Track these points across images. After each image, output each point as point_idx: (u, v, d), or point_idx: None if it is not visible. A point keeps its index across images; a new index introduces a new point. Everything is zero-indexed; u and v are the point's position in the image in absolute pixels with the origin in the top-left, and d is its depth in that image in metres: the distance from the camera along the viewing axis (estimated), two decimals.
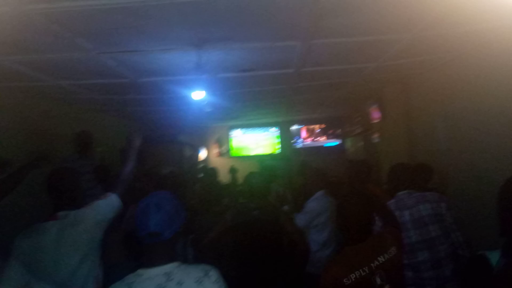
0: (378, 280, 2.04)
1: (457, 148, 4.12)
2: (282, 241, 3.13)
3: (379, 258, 2.08)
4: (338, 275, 2.01)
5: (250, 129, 9.95)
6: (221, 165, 8.32)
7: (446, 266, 2.72)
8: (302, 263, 3.15)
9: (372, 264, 2.05)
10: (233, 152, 9.90)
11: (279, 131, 9.94)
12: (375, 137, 6.51)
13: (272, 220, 3.04)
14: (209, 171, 6.61)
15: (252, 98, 5.93)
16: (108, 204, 2.39)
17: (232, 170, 6.90)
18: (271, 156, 9.60)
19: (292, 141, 9.90)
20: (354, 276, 2.00)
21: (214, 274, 1.72)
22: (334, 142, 9.77)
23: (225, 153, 10.00)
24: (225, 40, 2.99)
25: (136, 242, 2.39)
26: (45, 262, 2.20)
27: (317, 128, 9.91)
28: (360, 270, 2.02)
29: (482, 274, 1.58)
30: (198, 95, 3.84)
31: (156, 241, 1.70)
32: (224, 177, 6.67)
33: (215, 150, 10.02)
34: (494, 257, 1.59)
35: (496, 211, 1.73)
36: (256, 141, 9.92)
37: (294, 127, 9.90)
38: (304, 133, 9.94)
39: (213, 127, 9.87)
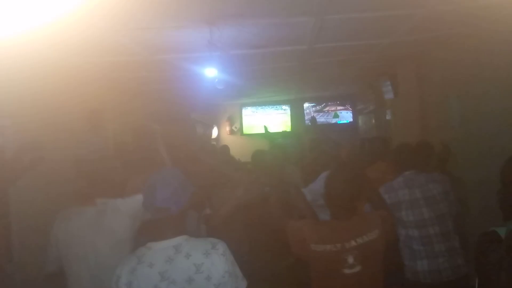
0: (351, 260, 2.07)
1: (471, 126, 4.09)
2: (293, 218, 3.16)
3: (357, 239, 2.09)
4: (307, 238, 2.10)
5: (262, 107, 9.93)
6: (233, 143, 8.37)
7: (454, 239, 2.81)
8: None
9: (346, 243, 2.07)
10: (245, 130, 9.92)
11: (291, 109, 9.90)
12: (388, 115, 6.48)
13: (282, 197, 3.07)
14: (221, 149, 6.67)
15: (264, 75, 5.92)
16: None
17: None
18: (282, 134, 9.60)
19: (303, 119, 9.87)
20: (323, 247, 2.06)
21: (221, 247, 1.75)
22: (346, 120, 9.72)
23: (236, 131, 10.02)
24: (238, 16, 2.98)
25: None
26: (80, 246, 2.24)
27: (329, 105, 9.85)
28: (331, 245, 2.07)
29: (494, 249, 1.60)
30: (210, 72, 3.84)
31: (164, 216, 1.75)
32: (235, 155, 6.71)
33: (226, 128, 10.05)
34: (503, 232, 1.61)
35: (498, 190, 1.76)
36: (268, 119, 9.90)
37: (306, 105, 9.84)
38: (316, 111, 9.89)
39: (224, 105, 9.86)
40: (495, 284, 1.58)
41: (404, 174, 2.95)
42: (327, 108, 9.88)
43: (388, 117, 6.51)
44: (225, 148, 6.59)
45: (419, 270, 2.78)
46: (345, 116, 9.78)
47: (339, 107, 9.81)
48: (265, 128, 6.17)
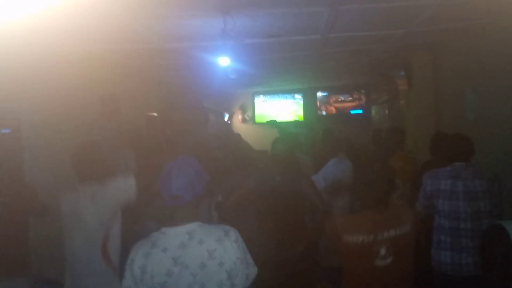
0: (383, 252, 2.09)
1: (485, 119, 4.05)
2: (303, 206, 3.19)
3: (390, 231, 2.10)
4: (340, 229, 2.11)
5: (275, 95, 9.90)
6: (245, 132, 8.39)
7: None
8: (322, 227, 3.21)
9: (379, 235, 2.08)
10: (257, 119, 9.92)
11: (303, 98, 9.86)
12: (401, 105, 6.43)
13: (293, 185, 3.09)
14: (234, 137, 6.68)
15: (277, 64, 5.90)
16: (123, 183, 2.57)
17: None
18: (295, 123, 9.58)
19: (316, 108, 9.83)
20: (357, 238, 2.07)
21: (233, 234, 1.79)
22: (359, 110, 9.65)
23: (248, 119, 10.04)
24: (252, 5, 2.98)
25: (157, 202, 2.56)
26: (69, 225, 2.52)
27: (342, 95, 9.77)
28: (364, 236, 2.08)
29: (500, 243, 1.60)
30: (223, 61, 3.86)
31: (178, 203, 1.78)
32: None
33: (239, 116, 10.07)
34: (511, 226, 1.60)
35: None
36: (280, 108, 9.89)
37: (319, 94, 9.80)
38: (329, 100, 9.84)
39: (237, 93, 9.86)
40: (500, 278, 1.58)
41: (454, 164, 2.92)
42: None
43: (401, 107, 6.47)
44: (238, 136, 6.60)
45: (442, 260, 2.82)
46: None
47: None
48: (273, 121, 6.11)
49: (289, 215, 3.04)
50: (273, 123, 5.69)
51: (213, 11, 3.03)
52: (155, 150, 5.12)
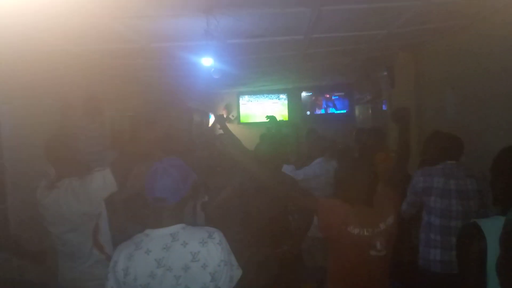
0: (378, 245, 2.13)
1: (466, 119, 4.11)
2: (288, 205, 3.21)
3: (380, 225, 2.16)
4: (346, 220, 2.11)
5: (259, 95, 9.92)
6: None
7: None
8: (306, 226, 3.23)
9: (376, 228, 2.13)
10: (242, 119, 9.93)
11: (288, 98, 9.90)
12: (384, 105, 6.50)
13: (278, 185, 3.10)
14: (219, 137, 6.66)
15: (262, 64, 5.91)
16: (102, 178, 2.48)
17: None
18: (280, 123, 9.60)
19: (300, 109, 9.87)
20: (359, 231, 2.10)
21: (217, 236, 1.78)
22: (343, 110, 9.72)
23: (233, 119, 10.03)
24: (234, 6, 2.98)
25: (141, 204, 2.53)
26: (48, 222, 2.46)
27: (326, 95, 9.84)
28: (365, 229, 2.11)
29: (474, 241, 1.61)
30: (207, 61, 3.85)
31: (162, 205, 1.78)
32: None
33: (224, 117, 10.04)
34: (485, 225, 1.62)
35: (489, 181, 1.79)
36: (265, 108, 9.90)
37: (303, 94, 9.84)
38: (313, 100, 9.89)
39: (222, 93, 9.84)
40: (476, 277, 1.60)
41: (445, 163, 2.96)
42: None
43: (384, 107, 6.54)
44: (227, 136, 6.59)
45: (431, 259, 2.84)
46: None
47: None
48: (272, 117, 6.04)
49: (274, 215, 3.06)
50: (272, 119, 5.68)
51: (196, 11, 3.02)
52: (139, 150, 5.08)
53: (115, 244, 2.39)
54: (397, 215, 2.27)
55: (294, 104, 9.84)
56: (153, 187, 1.76)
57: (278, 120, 6.17)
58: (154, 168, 1.81)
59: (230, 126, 9.81)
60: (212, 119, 9.62)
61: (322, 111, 9.74)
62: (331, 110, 9.69)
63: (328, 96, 9.73)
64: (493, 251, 1.56)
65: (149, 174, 1.81)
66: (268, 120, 5.63)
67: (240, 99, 9.91)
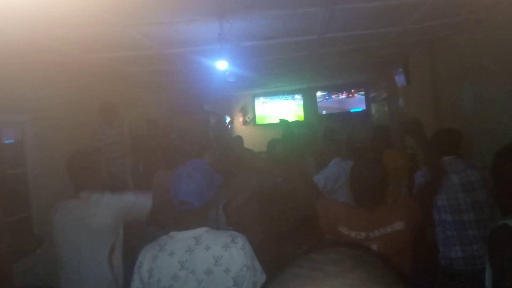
0: (374, 249, 2.07)
1: (483, 115, 4.05)
2: (305, 207, 3.21)
3: (381, 229, 2.08)
4: (337, 219, 2.12)
5: (274, 97, 9.94)
6: (246, 134, 8.42)
7: (490, 227, 2.76)
8: None
9: (370, 233, 2.07)
10: (258, 120, 9.95)
11: (303, 98, 9.89)
12: (401, 102, 6.45)
13: (295, 187, 3.11)
14: (235, 139, 6.70)
15: (275, 65, 5.92)
16: (139, 203, 2.51)
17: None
18: (295, 123, 9.60)
19: (316, 108, 9.85)
20: (349, 233, 2.09)
21: (240, 241, 1.78)
22: (359, 108, 9.66)
23: (249, 121, 10.07)
24: (247, 8, 3.00)
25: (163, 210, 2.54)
26: (67, 241, 2.42)
27: (342, 94, 9.80)
28: (356, 232, 2.08)
29: (508, 242, 1.58)
30: (221, 65, 3.88)
31: (186, 208, 1.80)
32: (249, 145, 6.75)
33: (239, 119, 10.10)
34: None
35: (491, 183, 1.77)
36: (280, 109, 9.92)
37: (319, 94, 9.82)
38: (328, 99, 9.86)
39: (237, 95, 9.90)
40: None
41: (443, 159, 2.92)
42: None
43: (401, 104, 6.48)
44: (239, 138, 6.64)
45: (453, 256, 2.78)
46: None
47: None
48: (284, 120, 6.00)
49: (293, 216, 3.07)
50: (284, 123, 5.67)
51: (209, 16, 3.06)
52: (159, 155, 5.15)
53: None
54: (412, 220, 2.16)
55: (310, 104, 9.82)
56: (177, 190, 1.79)
57: (290, 122, 6.12)
58: (178, 172, 1.83)
59: (246, 128, 9.93)
60: (228, 121, 9.68)
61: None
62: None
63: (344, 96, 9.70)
64: None
65: (174, 178, 1.83)
66: (281, 122, 5.62)
67: (256, 100, 9.94)
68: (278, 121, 5.96)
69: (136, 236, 2.78)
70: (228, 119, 9.58)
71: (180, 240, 1.78)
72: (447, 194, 2.81)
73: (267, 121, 9.86)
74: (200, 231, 1.80)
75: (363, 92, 9.55)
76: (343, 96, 9.74)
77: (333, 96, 9.77)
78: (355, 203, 2.24)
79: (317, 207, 2.30)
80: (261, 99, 9.94)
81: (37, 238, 3.33)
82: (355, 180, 2.21)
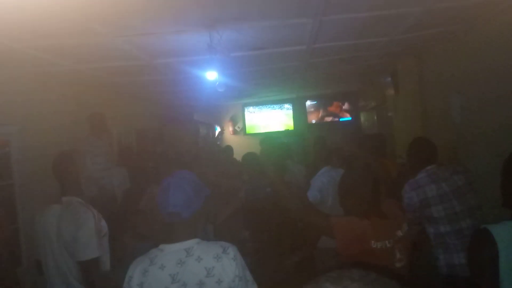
0: (398, 254, 2.09)
1: (472, 122, 4.10)
2: (294, 218, 3.20)
3: (397, 233, 2.11)
4: (369, 235, 2.04)
5: (264, 106, 9.95)
6: (236, 143, 8.41)
7: None
8: (316, 238, 3.22)
9: (394, 238, 2.09)
10: (248, 130, 9.95)
11: (292, 108, 9.92)
12: (389, 111, 6.49)
13: (283, 197, 3.10)
14: (225, 149, 6.69)
15: (265, 75, 5.94)
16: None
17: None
18: (285, 132, 9.63)
19: (306, 117, 9.89)
20: (381, 244, 2.04)
21: (232, 251, 1.76)
22: (348, 117, 9.72)
23: (239, 131, 10.06)
24: (237, 19, 3.01)
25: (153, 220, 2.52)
26: (47, 241, 2.41)
27: (331, 103, 9.85)
28: (386, 241, 2.06)
29: (485, 248, 1.60)
30: (211, 75, 3.88)
31: (176, 220, 1.77)
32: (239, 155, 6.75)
33: (229, 128, 10.09)
34: (496, 230, 1.61)
35: (500, 184, 1.76)
36: (270, 118, 9.94)
37: (308, 103, 9.86)
38: (318, 109, 9.91)
39: (227, 105, 9.90)
40: (490, 283, 1.58)
41: (426, 169, 2.88)
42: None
43: (389, 113, 6.53)
44: (229, 148, 6.64)
45: (456, 263, 2.71)
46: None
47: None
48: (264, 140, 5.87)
49: (283, 226, 3.06)
50: (264, 142, 5.62)
51: (199, 26, 3.06)
52: (148, 166, 5.11)
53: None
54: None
55: (300, 113, 9.86)
56: (166, 202, 1.76)
57: (269, 139, 6.01)
58: (166, 183, 1.80)
59: (236, 137, 9.92)
60: (218, 131, 9.67)
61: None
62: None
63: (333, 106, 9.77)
64: (505, 257, 1.55)
65: (162, 189, 1.80)
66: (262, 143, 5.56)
67: (246, 110, 9.95)
68: (267, 131, 5.98)
69: (121, 249, 2.74)
70: (218, 129, 9.59)
71: (171, 253, 1.75)
72: (442, 204, 2.75)
73: (257, 131, 9.87)
74: (191, 242, 1.77)
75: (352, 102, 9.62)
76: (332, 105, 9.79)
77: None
78: (360, 211, 2.20)
79: (335, 227, 2.12)
80: (251, 108, 9.95)
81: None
82: (358, 192, 2.18)
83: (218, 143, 8.78)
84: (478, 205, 2.82)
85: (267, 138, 5.54)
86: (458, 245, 2.73)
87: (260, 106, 9.93)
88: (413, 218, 2.83)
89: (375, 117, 7.78)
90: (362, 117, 9.01)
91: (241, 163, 4.17)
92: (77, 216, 2.33)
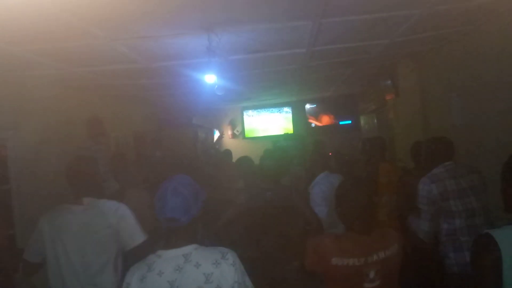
0: (372, 274, 2.01)
1: (472, 124, 4.08)
2: (296, 222, 3.16)
3: (379, 253, 2.04)
4: (328, 252, 2.01)
5: (263, 110, 9.92)
6: (235, 147, 8.38)
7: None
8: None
9: (369, 257, 2.01)
10: (247, 134, 9.92)
11: (292, 111, 9.90)
12: (389, 114, 6.47)
13: (284, 202, 3.07)
14: (224, 153, 6.66)
15: (264, 79, 5.92)
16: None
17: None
18: (285, 136, 9.60)
19: (305, 120, 9.86)
20: (347, 261, 1.99)
21: (231, 257, 1.75)
22: (348, 120, 9.69)
23: (238, 134, 10.03)
24: (235, 22, 2.99)
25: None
26: (65, 241, 2.35)
27: (319, 118, 9.83)
28: (355, 259, 2.00)
29: (488, 252, 1.58)
30: (210, 78, 3.86)
31: (174, 225, 1.75)
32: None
33: (228, 132, 10.06)
34: (499, 235, 1.59)
35: (500, 188, 1.74)
36: (269, 122, 9.91)
37: (308, 106, 9.84)
38: (317, 112, 9.89)
39: (226, 109, 9.88)
40: (492, 286, 1.57)
41: (443, 164, 2.87)
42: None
43: (389, 116, 6.50)
44: (228, 152, 6.61)
45: (468, 261, 2.68)
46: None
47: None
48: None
49: (283, 231, 3.01)
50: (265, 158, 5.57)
51: (197, 29, 3.03)
52: (147, 170, 5.07)
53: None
54: (402, 244, 2.14)
55: (299, 117, 9.84)
56: (164, 207, 1.73)
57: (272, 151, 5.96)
58: (163, 188, 1.78)
59: (235, 141, 9.90)
60: (216, 135, 9.64)
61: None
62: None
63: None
64: (508, 262, 1.54)
65: (159, 194, 1.77)
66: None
67: (244, 114, 9.92)
68: (266, 134, 5.95)
69: None
70: (216, 133, 9.56)
71: (169, 259, 1.72)
72: (461, 199, 2.74)
73: (256, 134, 9.84)
74: (189, 248, 1.75)
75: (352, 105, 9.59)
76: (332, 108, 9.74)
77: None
78: (346, 228, 2.18)
79: (307, 246, 2.15)
80: (250, 112, 9.92)
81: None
82: (349, 205, 2.13)
83: (217, 147, 8.75)
84: (487, 204, 2.81)
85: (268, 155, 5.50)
86: (470, 242, 2.66)
87: (259, 110, 9.90)
88: (432, 213, 2.82)
89: (375, 120, 7.76)
90: (362, 120, 8.99)
91: (236, 167, 4.15)
92: (114, 210, 2.42)
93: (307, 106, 9.78)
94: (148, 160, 5.62)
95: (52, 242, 2.38)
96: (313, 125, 9.83)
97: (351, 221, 2.12)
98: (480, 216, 2.74)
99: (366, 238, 2.07)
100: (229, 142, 9.80)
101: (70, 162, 2.55)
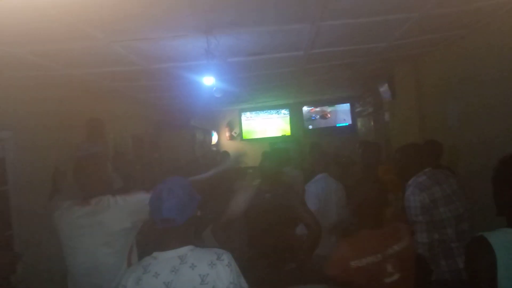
0: (389, 268, 2.03)
1: (468, 127, 4.10)
2: (294, 224, 3.17)
3: (394, 246, 2.06)
4: (346, 256, 2.02)
5: (261, 111, 9.96)
6: (233, 149, 8.39)
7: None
8: (314, 245, 3.18)
9: (385, 252, 2.04)
10: (245, 135, 9.94)
11: (289, 113, 9.93)
12: (386, 117, 6.50)
13: (283, 203, 3.08)
14: (222, 155, 6.66)
15: (262, 81, 5.94)
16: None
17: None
18: (282, 138, 9.62)
19: (303, 123, 9.89)
20: (365, 260, 2.00)
21: (226, 258, 1.76)
22: (345, 123, 9.73)
23: (236, 136, 10.04)
24: (234, 25, 3.01)
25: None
26: (75, 241, 2.33)
27: (328, 109, 9.87)
28: (373, 256, 2.01)
29: (483, 255, 1.59)
30: (208, 80, 3.87)
31: (169, 226, 1.75)
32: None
33: (226, 134, 10.07)
34: (493, 238, 1.60)
35: (492, 193, 1.74)
36: (267, 124, 9.93)
37: (305, 109, 9.87)
38: (315, 114, 9.91)
39: (224, 110, 9.89)
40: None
41: (424, 171, 2.81)
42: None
43: (386, 118, 6.53)
44: (226, 154, 6.61)
45: (461, 267, 2.60)
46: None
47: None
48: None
49: (281, 233, 3.02)
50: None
51: (196, 32, 3.05)
52: (144, 171, 5.07)
53: None
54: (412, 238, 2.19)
55: (297, 119, 9.86)
56: (159, 208, 1.73)
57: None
58: (158, 189, 1.78)
59: (233, 143, 9.90)
60: (214, 137, 9.65)
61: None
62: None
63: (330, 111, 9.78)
64: (502, 265, 1.54)
65: (154, 195, 1.78)
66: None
67: (242, 115, 9.94)
68: (264, 136, 5.97)
69: (145, 234, 2.69)
70: (214, 135, 9.56)
71: (164, 260, 1.73)
72: (448, 206, 2.69)
73: (253, 136, 9.85)
74: (185, 249, 1.75)
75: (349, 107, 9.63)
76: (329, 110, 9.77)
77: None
78: (359, 223, 2.20)
79: (329, 263, 2.14)
80: (248, 114, 9.95)
81: (16, 255, 3.23)
82: (357, 201, 2.18)
83: (214, 148, 8.76)
84: (472, 208, 2.81)
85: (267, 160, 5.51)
86: (460, 248, 2.65)
87: (257, 112, 9.93)
88: (427, 222, 2.71)
89: (372, 123, 7.79)
90: (359, 123, 9.02)
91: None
92: (119, 199, 2.36)
93: (305, 108, 9.81)
94: (146, 162, 5.62)
95: (67, 241, 2.37)
96: (310, 127, 9.85)
97: (364, 218, 2.15)
98: (468, 220, 2.72)
99: (379, 233, 2.10)
100: (226, 144, 9.81)
101: (77, 161, 2.49)
